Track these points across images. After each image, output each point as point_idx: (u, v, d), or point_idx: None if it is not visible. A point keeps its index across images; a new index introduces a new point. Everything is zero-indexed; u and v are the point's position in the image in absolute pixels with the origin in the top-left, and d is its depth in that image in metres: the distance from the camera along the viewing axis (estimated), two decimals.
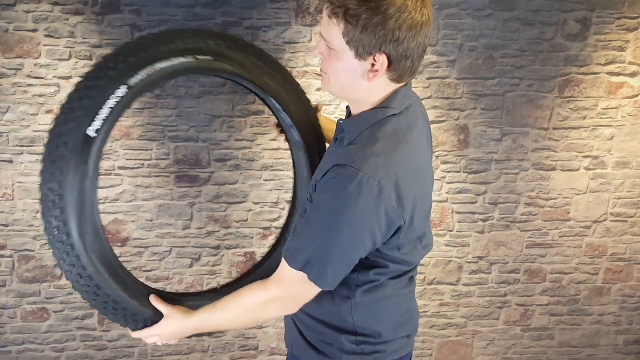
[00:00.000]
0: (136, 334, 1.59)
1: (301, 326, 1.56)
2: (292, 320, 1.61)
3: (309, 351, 1.54)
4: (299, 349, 1.59)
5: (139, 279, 1.66)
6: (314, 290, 1.38)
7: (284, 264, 1.38)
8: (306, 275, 1.34)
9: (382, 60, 1.28)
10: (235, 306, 1.46)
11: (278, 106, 1.72)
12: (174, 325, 1.55)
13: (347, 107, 1.50)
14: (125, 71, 1.46)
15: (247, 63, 1.65)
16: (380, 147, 1.30)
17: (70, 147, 1.43)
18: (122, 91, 1.45)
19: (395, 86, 1.37)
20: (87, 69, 2.88)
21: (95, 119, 1.44)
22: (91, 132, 1.43)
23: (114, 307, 1.53)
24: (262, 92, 1.69)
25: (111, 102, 1.44)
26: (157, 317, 1.57)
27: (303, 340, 1.56)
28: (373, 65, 1.30)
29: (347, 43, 1.28)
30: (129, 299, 1.53)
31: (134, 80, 1.46)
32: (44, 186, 1.45)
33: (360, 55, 1.29)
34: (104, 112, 1.44)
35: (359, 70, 1.31)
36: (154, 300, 1.57)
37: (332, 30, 1.28)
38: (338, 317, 1.47)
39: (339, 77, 1.35)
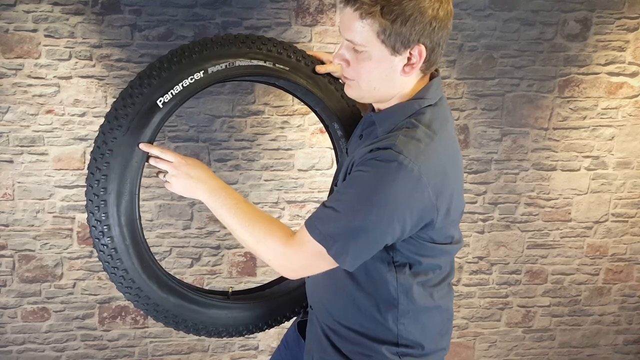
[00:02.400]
0: (150, 147, 1.46)
1: (333, 336, 1.49)
2: (320, 330, 1.53)
3: None
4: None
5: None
6: (327, 265, 1.33)
7: (304, 230, 1.32)
8: (324, 250, 1.29)
9: (418, 51, 1.26)
10: (256, 229, 1.37)
11: (339, 133, 1.78)
12: (200, 168, 1.45)
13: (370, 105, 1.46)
14: (207, 58, 1.52)
15: (319, 80, 1.71)
16: (421, 133, 1.27)
17: (135, 112, 1.46)
18: (199, 75, 1.50)
19: (422, 77, 1.35)
20: (87, 70, 2.89)
21: (167, 92, 1.48)
22: (160, 102, 1.47)
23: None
24: (327, 114, 1.77)
25: (186, 81, 1.49)
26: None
27: (335, 351, 1.48)
28: (409, 58, 1.28)
29: (383, 41, 1.24)
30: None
31: (213, 68, 1.52)
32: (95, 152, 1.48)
33: (397, 51, 1.26)
34: (177, 88, 1.48)
35: (395, 67, 1.29)
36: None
37: (363, 31, 1.24)
38: (381, 327, 1.41)
39: (372, 79, 1.31)
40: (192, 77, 1.49)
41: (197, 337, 3.33)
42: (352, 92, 1.37)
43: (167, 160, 1.45)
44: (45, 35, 2.91)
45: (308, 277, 1.56)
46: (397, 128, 1.31)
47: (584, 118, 3.27)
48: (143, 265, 1.49)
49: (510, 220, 3.37)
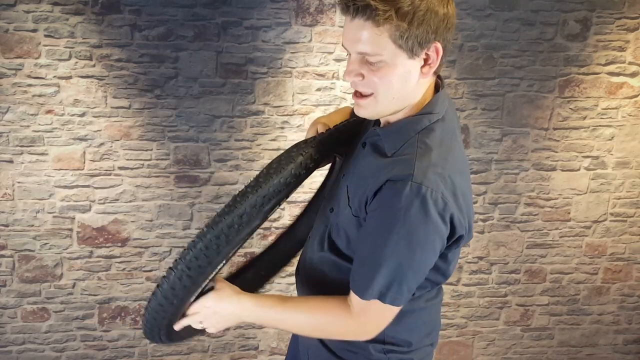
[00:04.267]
0: (179, 324, 1.41)
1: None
2: None
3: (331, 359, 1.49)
4: (318, 358, 1.52)
5: None
6: (393, 311, 1.33)
7: (357, 298, 1.30)
8: (381, 302, 1.29)
9: (435, 49, 1.24)
10: (314, 318, 1.36)
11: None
12: (225, 299, 1.37)
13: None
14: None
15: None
16: (435, 157, 1.25)
17: None
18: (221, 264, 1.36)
19: (429, 84, 1.33)
20: (87, 70, 2.89)
21: None
22: None
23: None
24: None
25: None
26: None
27: (324, 349, 1.49)
28: (425, 60, 1.25)
29: (400, 46, 1.21)
30: None
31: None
32: None
33: (414, 53, 1.23)
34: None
35: (413, 71, 1.26)
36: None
37: (378, 39, 1.20)
38: None
39: (391, 89, 1.26)
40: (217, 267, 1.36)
41: (197, 338, 3.33)
42: (367, 111, 1.31)
43: (195, 317, 1.40)
44: (45, 35, 2.90)
45: (298, 272, 1.56)
46: (407, 147, 1.29)
47: (584, 118, 3.27)
48: None
49: (510, 220, 3.37)
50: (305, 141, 1.45)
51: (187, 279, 1.29)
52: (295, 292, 1.68)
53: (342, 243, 1.39)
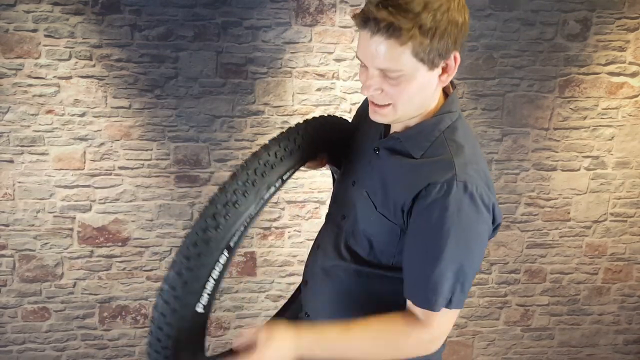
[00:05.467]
0: None
1: None
2: None
3: None
4: None
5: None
6: (457, 313, 1.32)
7: (423, 310, 1.28)
8: (446, 308, 1.27)
9: (454, 58, 1.24)
10: (381, 339, 1.29)
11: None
12: (284, 347, 1.25)
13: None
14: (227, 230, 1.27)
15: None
16: (468, 153, 1.27)
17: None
18: (223, 258, 1.27)
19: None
20: (87, 70, 2.89)
21: (204, 294, 1.26)
22: (199, 307, 1.27)
23: None
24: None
25: (215, 272, 1.26)
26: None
27: None
28: (444, 68, 1.25)
29: (421, 59, 1.20)
30: None
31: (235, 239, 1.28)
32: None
33: (434, 65, 1.22)
34: (209, 286, 1.26)
35: (432, 80, 1.26)
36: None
37: (401, 57, 1.19)
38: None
39: (412, 99, 1.26)
40: (218, 262, 1.27)
41: None
42: (386, 118, 1.30)
43: None
44: (45, 35, 2.90)
45: (307, 283, 1.53)
46: (437, 146, 1.29)
47: (585, 118, 3.27)
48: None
49: (511, 220, 3.37)
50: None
51: (187, 272, 1.22)
52: (293, 292, 1.68)
53: (363, 250, 1.38)
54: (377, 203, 1.34)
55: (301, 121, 1.49)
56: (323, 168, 1.66)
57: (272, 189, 1.34)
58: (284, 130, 1.45)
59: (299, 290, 1.70)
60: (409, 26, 1.15)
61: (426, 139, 1.31)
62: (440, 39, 1.18)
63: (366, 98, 1.38)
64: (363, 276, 1.38)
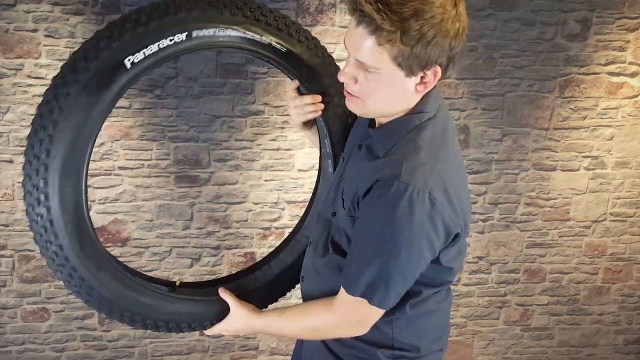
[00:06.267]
0: (208, 332, 1.59)
1: (329, 340, 1.50)
2: None
3: None
4: None
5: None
6: (378, 313, 1.35)
7: (343, 292, 1.34)
8: (366, 300, 1.30)
9: (434, 72, 1.22)
10: (303, 322, 1.45)
11: (327, 150, 1.60)
12: (240, 322, 1.54)
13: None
14: (194, 20, 1.28)
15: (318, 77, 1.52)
16: (424, 155, 1.25)
17: (97, 68, 1.24)
18: (180, 37, 1.26)
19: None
20: None
21: (139, 51, 1.24)
22: (128, 61, 1.25)
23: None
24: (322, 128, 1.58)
25: (164, 42, 1.25)
26: (221, 313, 1.56)
27: (330, 353, 1.49)
28: (422, 78, 1.23)
29: (399, 64, 1.19)
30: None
31: (199, 32, 1.28)
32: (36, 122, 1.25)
33: (412, 73, 1.21)
34: (152, 48, 1.25)
35: (407, 87, 1.24)
36: (223, 293, 1.55)
37: (379, 56, 1.18)
38: (377, 331, 1.40)
39: (382, 99, 1.26)
40: (172, 38, 1.27)
41: (197, 338, 3.34)
42: (356, 108, 1.32)
43: (223, 330, 1.59)
44: (45, 35, 2.90)
45: (303, 279, 1.57)
46: (397, 147, 1.28)
47: (584, 118, 3.27)
48: (82, 243, 1.30)
49: (510, 220, 3.38)
50: None
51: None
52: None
53: (344, 244, 1.40)
54: (345, 199, 1.36)
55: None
56: (309, 132, 1.70)
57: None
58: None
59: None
60: (391, 29, 1.14)
61: (392, 138, 1.31)
62: (423, 49, 1.16)
63: None
64: None
